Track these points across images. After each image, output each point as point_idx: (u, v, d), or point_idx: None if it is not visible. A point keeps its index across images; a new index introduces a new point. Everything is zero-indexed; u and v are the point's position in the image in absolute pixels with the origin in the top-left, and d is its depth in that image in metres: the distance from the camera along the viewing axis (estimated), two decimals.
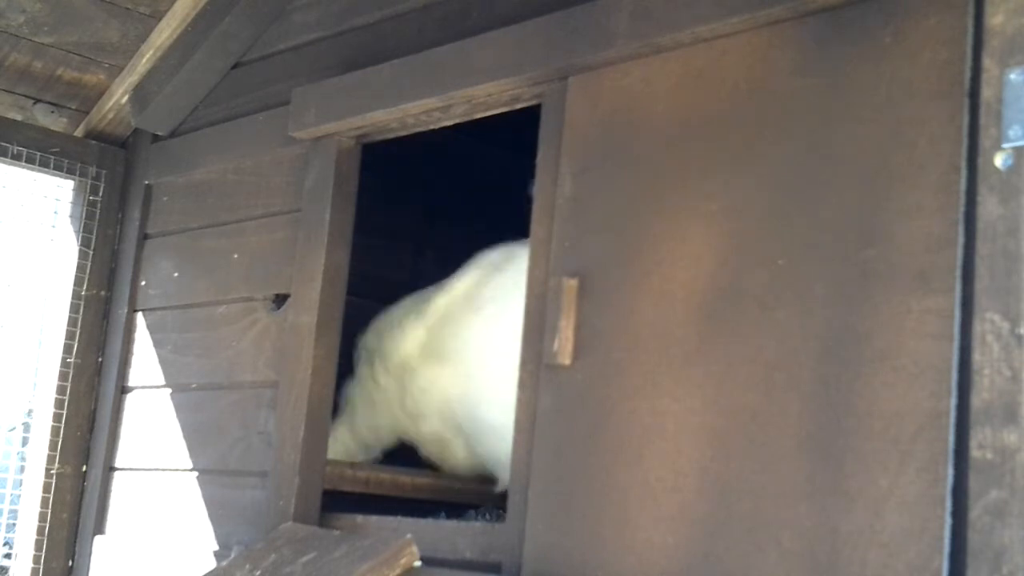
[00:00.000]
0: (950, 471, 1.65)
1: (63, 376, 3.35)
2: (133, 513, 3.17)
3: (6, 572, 3.42)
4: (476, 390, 2.77)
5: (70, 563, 3.29)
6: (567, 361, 2.16)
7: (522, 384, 2.25)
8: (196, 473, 2.98)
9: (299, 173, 2.89)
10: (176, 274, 3.23)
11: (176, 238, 3.28)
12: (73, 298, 3.38)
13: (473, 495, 3.00)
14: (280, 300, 2.88)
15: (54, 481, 3.30)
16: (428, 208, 3.70)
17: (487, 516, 2.83)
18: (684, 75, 2.12)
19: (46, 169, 3.39)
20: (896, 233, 1.78)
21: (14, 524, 3.42)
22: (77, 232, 3.42)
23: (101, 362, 3.39)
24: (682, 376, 2.00)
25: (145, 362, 3.26)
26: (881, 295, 1.77)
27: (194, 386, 3.07)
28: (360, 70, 2.74)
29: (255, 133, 3.07)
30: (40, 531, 3.27)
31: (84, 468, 3.34)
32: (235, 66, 3.24)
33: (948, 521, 1.64)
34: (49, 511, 3.28)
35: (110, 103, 3.44)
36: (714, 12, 2.06)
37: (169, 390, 3.15)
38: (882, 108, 1.84)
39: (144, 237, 3.38)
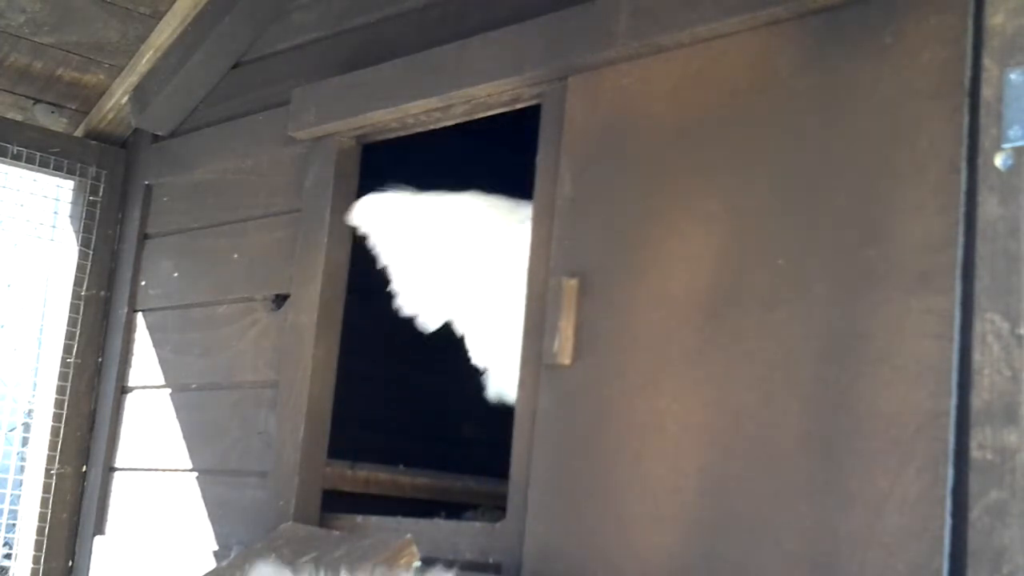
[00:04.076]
0: (950, 471, 1.65)
1: (63, 376, 3.34)
2: (133, 513, 3.17)
3: (6, 572, 3.42)
4: None
5: (70, 563, 3.29)
6: (567, 361, 2.15)
7: (522, 384, 2.25)
8: (196, 473, 2.98)
9: (299, 173, 2.88)
10: (176, 274, 3.23)
11: (176, 238, 3.28)
12: (73, 298, 3.38)
13: (473, 495, 3.00)
14: (280, 300, 2.88)
15: (54, 481, 3.30)
16: None
17: (486, 516, 2.83)
18: (684, 75, 2.12)
19: (46, 169, 3.39)
20: (896, 233, 1.77)
21: (14, 524, 3.42)
22: (77, 232, 3.42)
23: (101, 362, 3.39)
24: (682, 376, 2.00)
25: (145, 362, 3.26)
26: (881, 295, 1.77)
27: (194, 386, 3.07)
28: (360, 70, 2.74)
29: (255, 133, 3.07)
30: (40, 531, 3.27)
31: (84, 468, 3.33)
32: (235, 66, 3.24)
33: (948, 521, 1.64)
34: (49, 511, 3.28)
35: (110, 103, 3.44)
36: (714, 12, 2.06)
37: (169, 390, 3.15)
38: (882, 108, 1.84)
39: (144, 237, 3.38)
